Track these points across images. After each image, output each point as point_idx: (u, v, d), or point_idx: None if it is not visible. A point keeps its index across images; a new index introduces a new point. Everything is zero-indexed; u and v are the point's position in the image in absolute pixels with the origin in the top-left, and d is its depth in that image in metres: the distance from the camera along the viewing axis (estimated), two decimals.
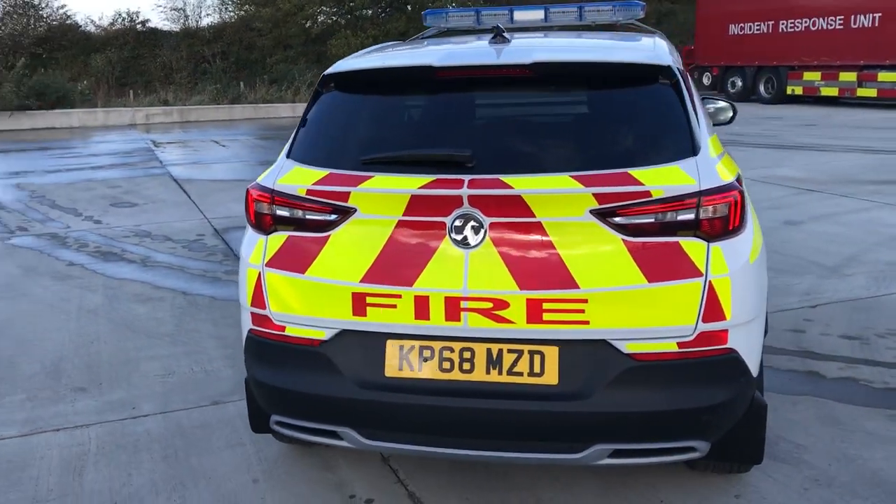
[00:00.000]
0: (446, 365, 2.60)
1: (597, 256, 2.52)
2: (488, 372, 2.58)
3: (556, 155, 2.68)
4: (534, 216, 2.53)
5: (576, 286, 2.48)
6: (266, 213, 2.80)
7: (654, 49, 3.05)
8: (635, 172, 2.53)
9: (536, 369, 2.56)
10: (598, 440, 2.55)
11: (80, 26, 41.16)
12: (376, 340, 2.65)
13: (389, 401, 2.61)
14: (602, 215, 2.51)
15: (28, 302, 5.73)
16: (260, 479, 3.25)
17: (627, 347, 2.52)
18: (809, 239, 7.09)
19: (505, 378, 2.57)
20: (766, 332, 2.99)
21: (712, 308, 2.52)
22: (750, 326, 2.66)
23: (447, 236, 2.57)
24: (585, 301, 2.49)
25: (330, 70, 3.03)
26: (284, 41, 32.23)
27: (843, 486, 3.12)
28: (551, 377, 2.55)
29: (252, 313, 2.82)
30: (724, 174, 2.66)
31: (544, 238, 2.53)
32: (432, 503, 3.05)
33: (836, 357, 4.41)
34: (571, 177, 2.52)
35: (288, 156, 2.92)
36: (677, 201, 2.52)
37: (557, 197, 2.51)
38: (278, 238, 2.78)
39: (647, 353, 2.53)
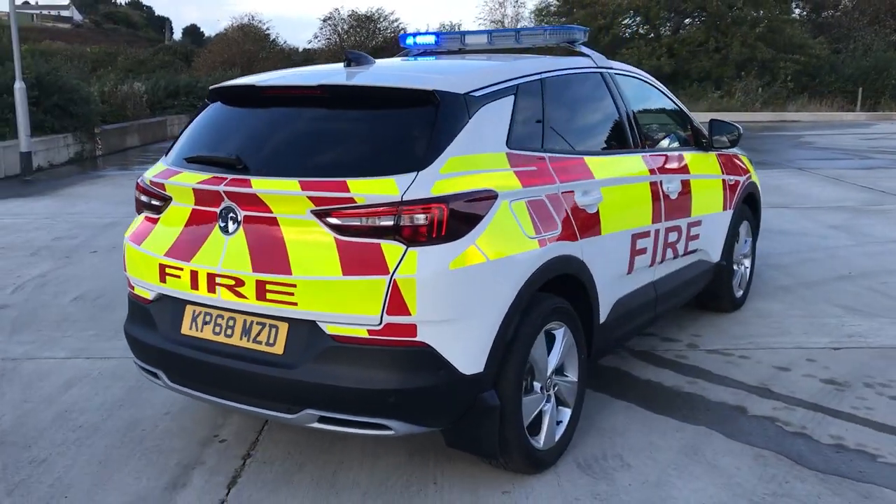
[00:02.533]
0: (217, 329, 3.21)
1: (310, 249, 2.97)
2: (241, 338, 3.14)
3: (298, 162, 3.15)
4: (271, 212, 3.05)
5: (289, 272, 2.97)
6: (136, 197, 3.62)
7: (447, 76, 3.35)
8: (351, 182, 2.93)
9: (271, 340, 3.07)
10: (307, 406, 3.00)
11: None
12: (179, 304, 3.33)
13: (181, 353, 3.28)
14: (319, 215, 2.96)
15: None
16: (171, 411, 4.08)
17: (329, 329, 2.95)
18: None
19: (251, 344, 3.12)
20: None
21: (396, 303, 2.85)
22: (455, 326, 2.93)
23: (217, 224, 3.18)
24: (294, 286, 2.96)
25: (211, 86, 3.75)
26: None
27: None
28: (279, 348, 3.05)
29: (126, 276, 3.64)
30: (445, 188, 2.94)
31: (277, 230, 3.04)
32: (265, 446, 3.67)
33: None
34: (299, 181, 2.99)
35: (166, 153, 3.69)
36: (378, 208, 2.89)
37: (285, 197, 3.00)
38: (139, 218, 3.58)
39: (343, 335, 2.93)
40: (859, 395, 4.23)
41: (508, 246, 3.10)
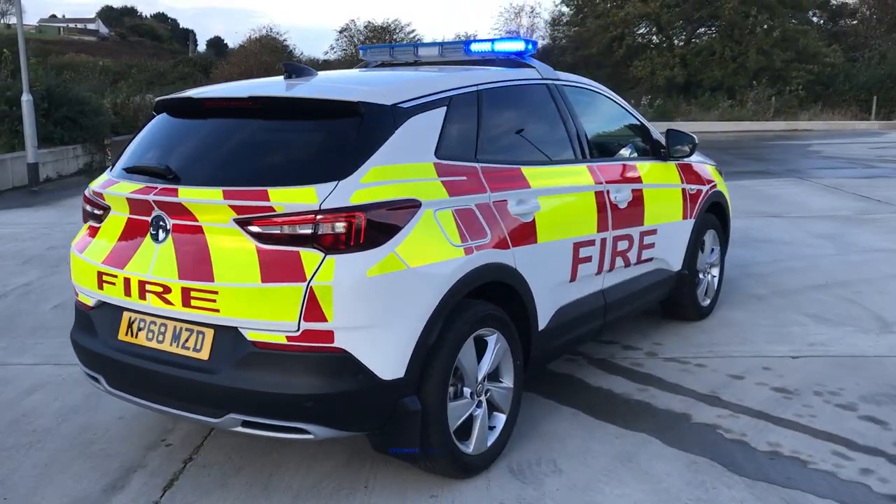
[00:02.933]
0: (150, 335, 3.30)
1: (233, 257, 3.05)
2: (171, 344, 3.23)
3: (224, 172, 3.23)
4: (197, 220, 3.14)
5: (212, 280, 3.05)
6: (82, 207, 3.72)
7: (376, 88, 3.43)
8: (272, 191, 3.01)
9: (198, 346, 3.15)
10: (230, 410, 3.07)
11: None
12: (118, 311, 3.42)
13: (118, 359, 3.37)
14: (241, 224, 3.04)
15: None
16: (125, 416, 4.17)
17: (249, 335, 3.02)
18: None
19: (180, 350, 3.20)
20: None
21: (313, 310, 2.92)
22: (373, 332, 2.99)
23: (149, 232, 3.28)
24: (217, 293, 3.04)
25: (157, 98, 3.85)
26: (592, 59, 32.98)
27: None
28: (205, 353, 3.13)
29: (73, 283, 3.74)
30: (365, 197, 3.01)
31: (202, 238, 3.13)
32: (209, 450, 3.75)
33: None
34: (222, 191, 3.08)
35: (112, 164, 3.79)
36: (297, 217, 2.97)
37: (209, 206, 3.09)
38: (84, 227, 3.69)
39: (263, 341, 3.01)
40: (806, 402, 4.25)
41: (431, 254, 3.16)
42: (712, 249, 5.75)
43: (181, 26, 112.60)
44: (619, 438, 3.87)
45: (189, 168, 3.30)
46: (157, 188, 3.24)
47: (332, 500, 3.33)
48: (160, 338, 3.26)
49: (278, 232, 3.00)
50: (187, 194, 3.14)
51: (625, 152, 4.86)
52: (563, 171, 4.09)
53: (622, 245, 4.47)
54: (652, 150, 5.06)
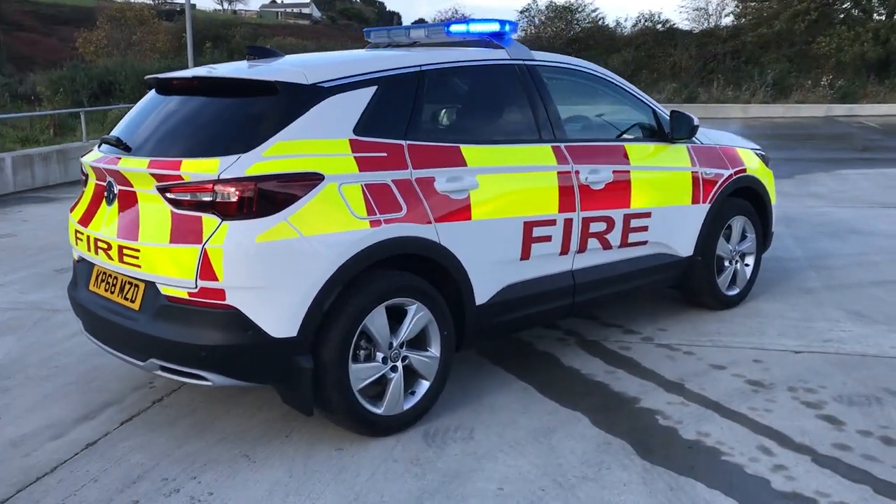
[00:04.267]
0: (106, 287, 3.78)
1: (154, 219, 3.44)
2: (118, 295, 3.69)
3: (158, 144, 3.61)
4: (132, 187, 3.56)
5: (136, 239, 3.47)
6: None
7: (301, 69, 3.67)
8: (185, 161, 3.37)
9: (133, 297, 3.59)
10: (151, 355, 3.49)
11: (609, 27, 44.75)
12: (90, 265, 3.94)
13: (87, 306, 3.89)
14: (161, 191, 3.42)
15: None
16: None
17: (162, 289, 3.41)
18: None
19: (122, 300, 3.65)
20: None
21: (206, 270, 3.26)
22: (263, 293, 3.29)
23: (104, 197, 3.75)
24: (139, 251, 3.45)
25: (146, 76, 4.31)
26: (775, 39, 31.10)
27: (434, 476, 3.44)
28: (137, 304, 3.56)
29: None
30: (262, 169, 3.29)
31: (135, 203, 3.55)
32: (181, 394, 4.22)
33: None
34: (148, 160, 3.47)
35: None
36: (198, 185, 3.31)
37: (138, 174, 3.49)
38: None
39: (172, 296, 3.38)
40: (771, 397, 4.09)
41: (328, 224, 3.39)
42: (745, 237, 5.53)
43: (388, 9, 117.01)
44: (551, 415, 3.93)
45: (137, 140, 3.73)
46: (108, 158, 3.69)
47: (251, 444, 3.67)
48: (112, 289, 3.72)
49: (187, 198, 3.35)
50: (124, 164, 3.57)
51: (632, 134, 4.81)
52: (517, 150, 4.15)
53: (597, 227, 4.46)
54: (660, 133, 4.97)
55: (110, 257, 3.62)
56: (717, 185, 5.19)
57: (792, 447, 3.57)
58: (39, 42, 59.21)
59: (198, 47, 44.46)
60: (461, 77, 4.14)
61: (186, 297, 3.34)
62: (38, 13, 72.11)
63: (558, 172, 4.26)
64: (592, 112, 5.01)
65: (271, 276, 3.30)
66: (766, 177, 5.67)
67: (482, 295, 3.98)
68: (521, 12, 44.83)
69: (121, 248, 3.54)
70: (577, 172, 4.33)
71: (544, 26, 43.98)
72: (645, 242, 4.80)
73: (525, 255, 4.14)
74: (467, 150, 3.91)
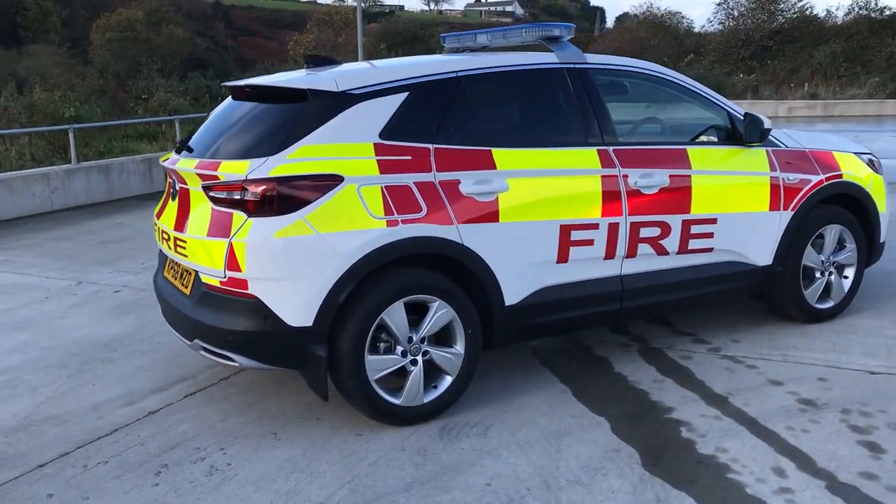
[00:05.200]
0: (172, 273, 4.24)
1: (199, 215, 3.83)
2: (179, 281, 4.13)
3: (209, 147, 3.96)
4: (186, 185, 3.97)
5: (184, 231, 3.87)
6: None
7: (334, 77, 3.90)
8: (223, 163, 3.72)
9: (186, 284, 4.01)
10: (196, 336, 3.89)
11: (819, 17, 41.95)
12: (164, 254, 4.42)
13: (160, 291, 4.38)
14: (205, 189, 3.80)
15: None
16: None
17: (203, 278, 3.79)
18: None
19: (181, 286, 4.09)
20: None
21: (232, 261, 3.60)
22: (280, 284, 3.58)
23: (169, 193, 4.20)
24: (186, 242, 3.86)
25: (223, 83, 4.72)
26: None
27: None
28: (188, 290, 3.97)
29: None
30: (285, 171, 3.57)
31: (188, 199, 3.95)
32: (247, 373, 4.63)
33: None
34: (196, 162, 3.86)
35: None
36: (231, 185, 3.65)
37: (189, 174, 3.89)
38: None
39: (209, 284, 3.75)
40: (816, 417, 3.87)
41: (344, 223, 3.62)
42: (842, 247, 5.19)
43: (591, 4, 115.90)
44: (574, 418, 3.95)
45: (198, 143, 4.14)
46: (174, 158, 4.13)
47: (284, 423, 3.99)
48: (176, 276, 4.17)
49: (223, 196, 3.70)
50: (181, 164, 3.98)
51: (678, 137, 4.69)
52: (555, 154, 4.17)
53: (649, 232, 4.39)
54: (734, 136, 4.79)
55: (170, 247, 4.05)
56: (803, 191, 4.91)
57: (811, 471, 3.39)
58: (263, 45, 64.02)
59: (393, 48, 46.23)
60: (501, 82, 4.22)
61: (219, 285, 3.70)
62: (262, 18, 77.96)
63: (603, 176, 4.24)
64: (662, 116, 4.89)
65: (288, 269, 3.58)
66: (873, 183, 5.28)
67: (513, 296, 4.05)
68: (719, 4, 43.06)
69: (175, 239, 3.96)
70: (625, 176, 4.29)
71: (743, 18, 41.98)
72: (710, 249, 4.65)
73: (563, 258, 4.17)
74: (499, 154, 4.00)
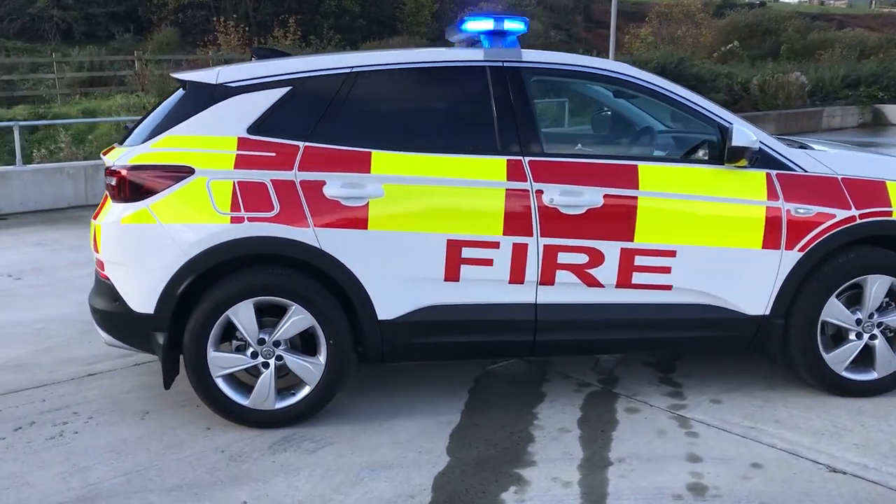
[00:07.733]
0: None
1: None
2: None
3: (132, 134, 4.12)
4: None
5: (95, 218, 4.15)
6: None
7: (221, 69, 3.86)
8: (114, 150, 3.93)
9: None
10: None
11: None
12: None
13: None
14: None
15: None
16: None
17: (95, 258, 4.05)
18: None
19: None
20: None
21: (95, 243, 3.81)
22: (124, 269, 3.71)
23: None
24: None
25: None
26: None
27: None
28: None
29: None
30: (141, 160, 3.68)
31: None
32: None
33: None
34: (110, 148, 4.11)
35: None
36: (108, 171, 3.82)
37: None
38: None
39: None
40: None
41: (187, 215, 3.62)
42: (887, 304, 4.04)
43: None
44: (419, 454, 3.58)
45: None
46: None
47: (162, 406, 4.11)
48: None
49: (107, 182, 3.90)
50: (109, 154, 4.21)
51: (633, 151, 3.97)
52: (448, 161, 3.73)
53: (572, 258, 3.79)
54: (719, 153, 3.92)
55: None
56: (821, 227, 3.88)
57: None
58: (609, 38, 64.22)
59: (744, 41, 43.14)
60: (402, 80, 3.89)
61: (97, 266, 3.93)
62: (622, 11, 78.16)
63: (508, 190, 3.75)
64: (622, 125, 4.16)
65: (130, 255, 3.70)
66: None
67: (388, 311, 3.76)
68: None
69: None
70: (539, 192, 3.75)
71: None
72: (668, 287, 3.88)
73: (452, 276, 3.77)
74: (379, 157, 3.72)
